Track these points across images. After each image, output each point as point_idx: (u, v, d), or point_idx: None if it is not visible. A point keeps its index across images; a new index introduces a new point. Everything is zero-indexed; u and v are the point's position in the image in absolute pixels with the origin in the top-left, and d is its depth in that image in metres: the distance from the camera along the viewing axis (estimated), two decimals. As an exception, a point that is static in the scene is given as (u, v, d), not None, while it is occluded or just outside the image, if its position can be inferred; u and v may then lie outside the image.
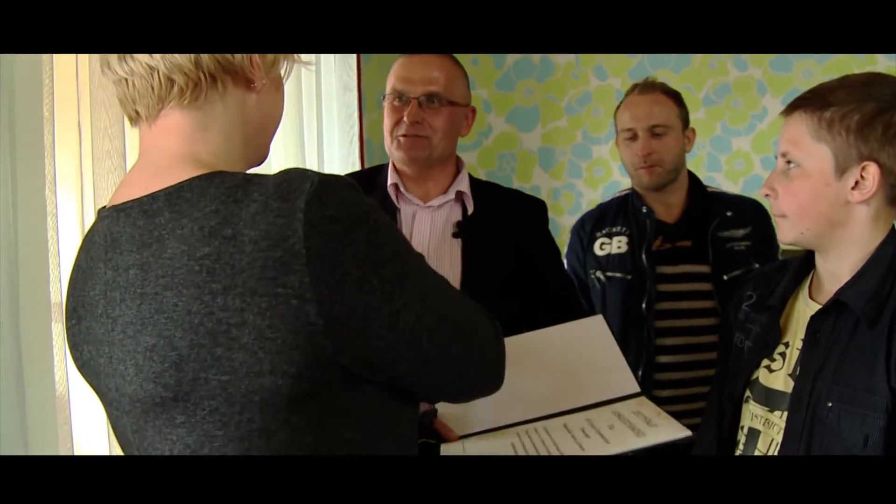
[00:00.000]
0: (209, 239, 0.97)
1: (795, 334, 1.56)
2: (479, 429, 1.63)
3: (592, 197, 4.24)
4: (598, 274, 2.55)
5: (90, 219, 1.70)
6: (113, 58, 1.07)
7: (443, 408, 1.67)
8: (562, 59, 4.26)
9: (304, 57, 1.20)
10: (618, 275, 2.51)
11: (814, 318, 1.50)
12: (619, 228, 2.57)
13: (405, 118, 1.94)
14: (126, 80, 1.07)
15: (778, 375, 1.56)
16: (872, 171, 1.42)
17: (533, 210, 2.13)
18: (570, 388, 1.69)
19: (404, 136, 1.96)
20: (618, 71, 4.22)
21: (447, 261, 1.94)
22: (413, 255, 1.08)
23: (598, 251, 2.57)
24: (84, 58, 1.67)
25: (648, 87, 2.54)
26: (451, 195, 2.00)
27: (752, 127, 4.11)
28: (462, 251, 1.95)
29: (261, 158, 1.19)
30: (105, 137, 1.71)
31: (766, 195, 1.55)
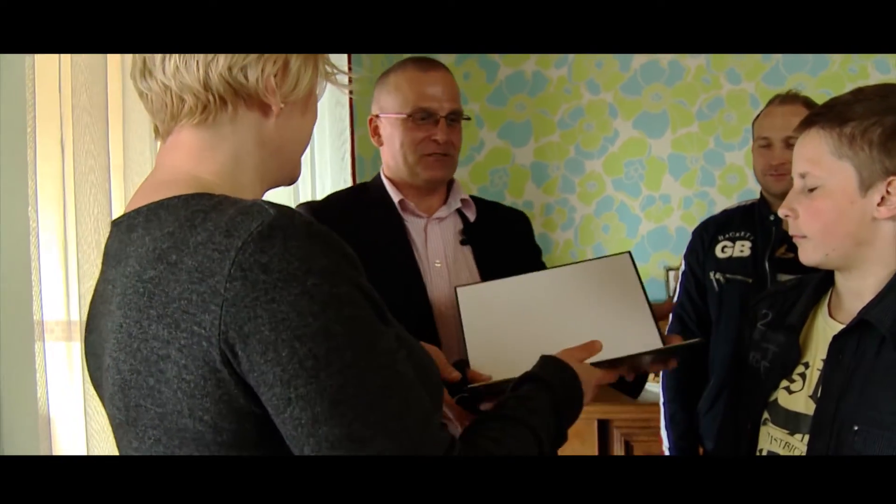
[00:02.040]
0: (156, 262, 0.96)
1: (815, 354, 1.52)
2: (510, 375, 1.56)
3: (585, 212, 4.23)
4: (718, 275, 2.63)
5: (72, 236, 1.69)
6: (137, 72, 1.09)
7: (474, 357, 1.65)
8: (554, 74, 4.25)
9: (340, 77, 1.19)
10: (738, 277, 2.59)
11: (836, 338, 1.46)
12: (742, 234, 2.64)
13: (437, 138, 1.93)
14: (146, 94, 1.09)
15: (798, 397, 1.52)
16: None
17: (520, 218, 2.17)
18: (595, 336, 1.58)
19: (433, 155, 1.95)
20: (609, 85, 4.22)
21: (464, 267, 1.95)
22: (359, 347, 0.92)
23: (719, 254, 2.65)
24: (66, 73, 1.66)
25: (790, 99, 2.58)
26: (455, 205, 2.02)
27: (746, 141, 4.06)
28: (474, 257, 1.97)
29: (286, 179, 1.18)
30: (88, 154, 1.69)
31: (786, 216, 1.51)
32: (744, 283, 2.57)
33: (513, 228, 2.11)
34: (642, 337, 1.61)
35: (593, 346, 1.43)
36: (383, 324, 0.99)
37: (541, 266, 2.05)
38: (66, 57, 1.66)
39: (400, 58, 2.07)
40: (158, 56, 1.06)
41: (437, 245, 1.97)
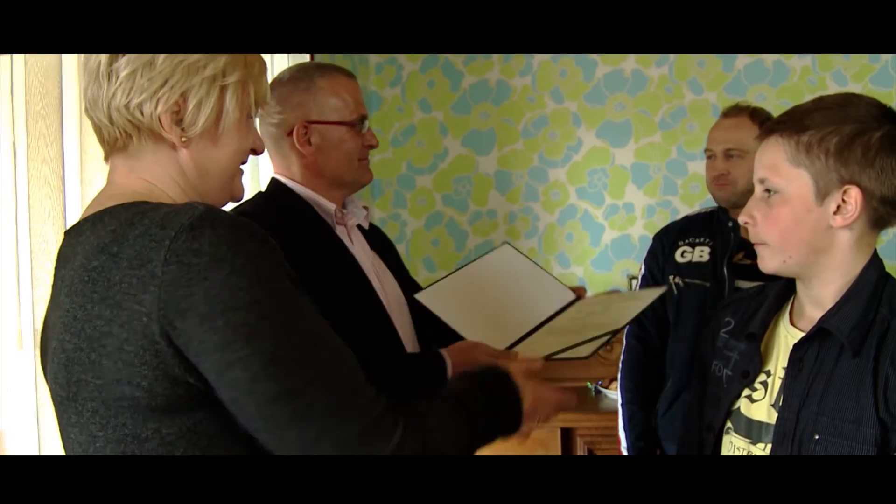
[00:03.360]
0: (99, 254, 1.06)
1: (777, 363, 1.53)
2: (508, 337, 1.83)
3: (549, 220, 4.24)
4: (677, 279, 2.65)
5: (25, 243, 1.68)
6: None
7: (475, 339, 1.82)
8: (518, 83, 4.26)
9: (240, 107, 1.20)
10: (696, 281, 2.61)
11: (797, 347, 1.48)
12: (702, 239, 2.67)
13: (372, 143, 1.97)
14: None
15: (760, 406, 1.53)
16: (854, 194, 1.40)
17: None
18: (520, 313, 1.91)
19: (366, 159, 1.98)
20: (573, 94, 4.23)
21: (382, 271, 2.00)
22: (287, 314, 1.05)
23: (679, 258, 2.67)
24: (19, 82, 1.64)
25: (733, 112, 2.63)
26: (362, 213, 2.03)
27: (707, 151, 4.12)
28: (384, 261, 2.03)
29: (225, 200, 1.26)
30: (42, 162, 1.68)
31: (745, 223, 1.51)
32: (702, 288, 2.58)
33: (378, 234, 2.18)
34: (558, 294, 1.94)
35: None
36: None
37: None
38: (18, 62, 1.64)
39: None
40: (89, 91, 1.15)
41: (360, 251, 1.97)
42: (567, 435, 3.55)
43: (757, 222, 1.48)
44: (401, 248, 2.71)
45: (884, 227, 1.46)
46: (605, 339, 1.77)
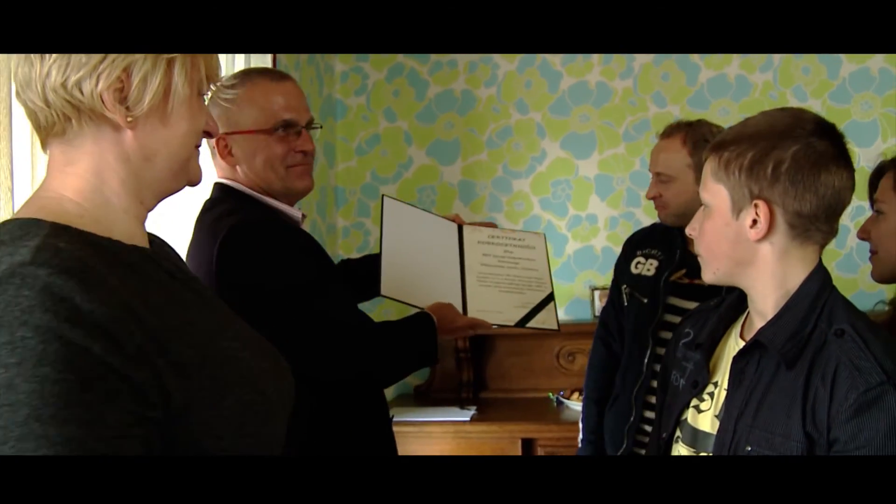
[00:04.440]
0: None
1: (724, 375, 1.54)
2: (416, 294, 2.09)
3: (512, 231, 4.21)
4: (627, 290, 2.63)
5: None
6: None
7: (388, 263, 2.06)
8: (483, 93, 4.25)
9: (189, 82, 1.10)
10: (636, 295, 2.59)
11: (737, 358, 1.49)
12: (655, 252, 2.61)
13: (304, 148, 1.91)
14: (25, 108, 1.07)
15: (706, 416, 1.54)
16: (763, 209, 1.42)
17: None
18: (441, 267, 2.20)
19: (301, 165, 1.92)
20: (538, 105, 4.23)
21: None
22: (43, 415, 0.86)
23: (633, 268, 2.64)
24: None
25: (666, 133, 2.55)
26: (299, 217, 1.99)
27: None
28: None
29: (177, 187, 1.15)
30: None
31: (690, 234, 1.56)
32: (639, 302, 2.58)
33: None
34: (447, 230, 2.25)
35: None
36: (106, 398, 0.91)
37: None
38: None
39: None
40: (19, 72, 1.03)
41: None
42: (528, 445, 3.55)
43: (697, 235, 1.53)
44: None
45: (816, 240, 1.47)
46: (549, 304, 2.19)
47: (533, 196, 4.25)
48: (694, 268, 2.38)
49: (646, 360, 2.47)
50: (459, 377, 4.05)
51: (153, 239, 1.17)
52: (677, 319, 2.32)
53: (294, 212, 1.92)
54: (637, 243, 2.72)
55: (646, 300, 2.54)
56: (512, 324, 2.16)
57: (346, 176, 4.34)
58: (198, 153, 1.16)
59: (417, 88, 4.31)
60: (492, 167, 4.28)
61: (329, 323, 1.76)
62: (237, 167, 1.88)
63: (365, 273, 2.16)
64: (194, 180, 1.16)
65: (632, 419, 2.51)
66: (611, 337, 2.76)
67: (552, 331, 2.20)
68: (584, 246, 4.23)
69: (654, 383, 2.34)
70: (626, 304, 2.64)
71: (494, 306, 2.14)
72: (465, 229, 2.29)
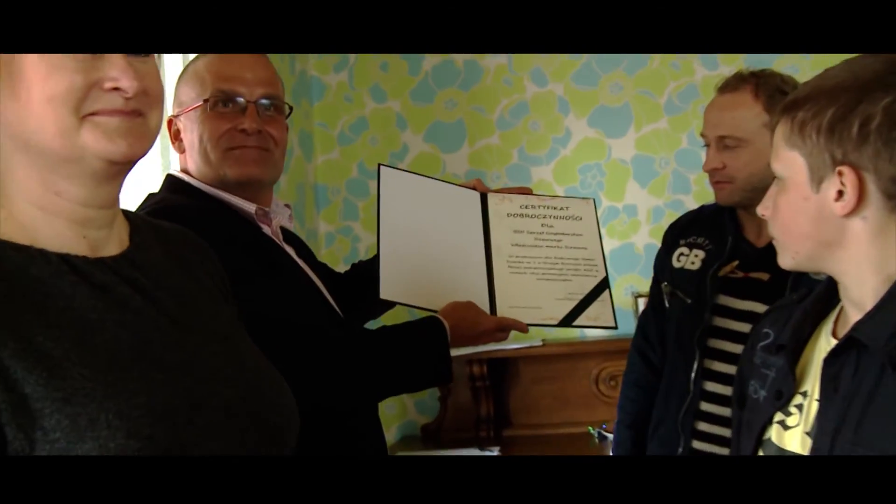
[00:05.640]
0: None
1: (815, 382, 1.44)
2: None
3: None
4: (668, 288, 2.46)
5: None
6: None
7: (386, 244, 1.91)
8: (491, 63, 4.01)
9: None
10: (680, 294, 2.40)
11: (828, 361, 1.41)
12: (702, 240, 2.40)
13: (244, 126, 1.80)
14: None
15: (794, 433, 1.45)
16: (850, 177, 1.34)
17: None
18: (458, 252, 2.04)
19: (242, 148, 1.81)
20: (559, 75, 3.96)
21: (319, 284, 1.92)
22: None
23: (675, 262, 2.44)
24: None
25: (733, 84, 2.28)
26: (286, 212, 1.94)
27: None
28: (318, 276, 1.95)
29: (78, 171, 1.08)
30: None
31: (762, 215, 1.51)
32: (683, 303, 2.38)
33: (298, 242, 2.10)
34: (466, 200, 2.06)
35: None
36: None
37: None
38: None
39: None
40: None
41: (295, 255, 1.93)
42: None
43: (770, 215, 1.48)
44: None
45: None
46: (604, 292, 2.01)
47: (557, 186, 3.97)
48: (750, 258, 2.29)
49: (692, 376, 2.28)
50: (477, 412, 3.80)
51: (146, 244, 1.21)
52: (730, 324, 2.26)
53: (245, 205, 1.82)
54: (681, 230, 2.50)
55: (690, 300, 2.36)
56: (555, 323, 1.97)
57: (328, 171, 4.13)
58: (98, 120, 1.09)
59: (410, 60, 4.07)
60: (505, 153, 4.02)
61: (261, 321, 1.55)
62: (186, 156, 1.86)
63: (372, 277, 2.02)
64: (118, 152, 1.09)
65: (679, 450, 2.32)
66: (650, 347, 2.58)
67: (607, 328, 2.04)
68: (623, 244, 3.92)
69: (705, 405, 2.26)
70: (668, 305, 2.46)
71: (531, 300, 1.97)
72: (491, 199, 2.10)
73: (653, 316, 2.56)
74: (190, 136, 1.83)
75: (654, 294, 2.56)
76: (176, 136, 1.86)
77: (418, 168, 3.86)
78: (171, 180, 1.87)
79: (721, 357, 2.26)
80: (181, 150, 1.87)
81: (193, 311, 1.21)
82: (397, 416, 3.90)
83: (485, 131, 4.03)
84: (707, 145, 2.31)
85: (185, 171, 1.87)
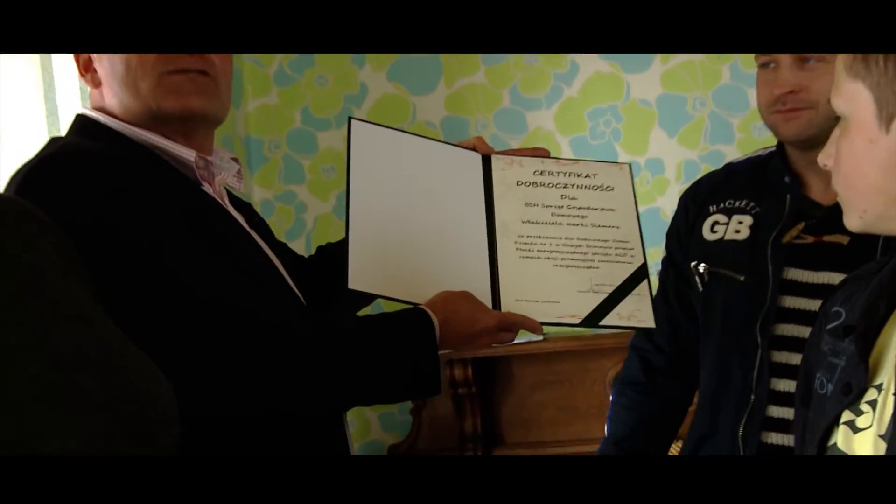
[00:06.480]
0: None
1: (893, 373, 1.26)
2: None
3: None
4: (702, 267, 2.22)
5: None
6: None
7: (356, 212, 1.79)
8: None
9: None
10: (725, 272, 2.17)
11: None
12: (743, 203, 2.19)
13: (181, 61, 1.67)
14: None
15: (866, 436, 1.27)
16: None
17: None
18: (459, 227, 1.93)
19: (181, 73, 1.66)
20: None
21: (265, 249, 1.78)
22: None
23: (707, 233, 2.23)
24: None
25: None
26: (232, 167, 1.78)
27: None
28: (267, 244, 1.79)
29: None
30: None
31: (825, 166, 1.34)
32: (732, 283, 2.11)
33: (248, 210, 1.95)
34: (466, 162, 1.90)
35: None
36: None
37: None
38: None
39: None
40: None
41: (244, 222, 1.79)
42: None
43: (833, 164, 1.32)
44: (299, 245, 2.74)
45: None
46: (641, 284, 1.82)
47: (560, 136, 3.59)
48: (818, 219, 2.09)
49: (755, 374, 2.04)
50: (459, 427, 3.48)
51: None
52: (801, 303, 2.04)
53: (182, 151, 1.65)
54: (708, 194, 2.26)
55: (742, 278, 2.11)
56: (577, 322, 1.76)
57: (262, 119, 3.75)
58: None
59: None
60: (493, 94, 3.65)
61: (190, 304, 1.43)
62: (103, 90, 1.71)
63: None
64: None
65: None
66: (654, 349, 2.33)
67: (645, 329, 1.95)
68: (646, 210, 3.44)
69: (774, 410, 2.01)
70: (702, 289, 2.19)
71: (546, 292, 1.77)
72: (495, 162, 1.91)
73: (664, 307, 2.27)
74: (109, 63, 1.70)
75: (667, 279, 2.32)
76: (86, 68, 1.73)
77: (381, 115, 3.61)
78: (81, 120, 1.73)
79: (793, 346, 2.00)
80: (96, 84, 1.72)
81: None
82: (358, 434, 3.45)
83: (466, 67, 3.65)
84: (769, 65, 2.03)
85: (100, 109, 1.71)
